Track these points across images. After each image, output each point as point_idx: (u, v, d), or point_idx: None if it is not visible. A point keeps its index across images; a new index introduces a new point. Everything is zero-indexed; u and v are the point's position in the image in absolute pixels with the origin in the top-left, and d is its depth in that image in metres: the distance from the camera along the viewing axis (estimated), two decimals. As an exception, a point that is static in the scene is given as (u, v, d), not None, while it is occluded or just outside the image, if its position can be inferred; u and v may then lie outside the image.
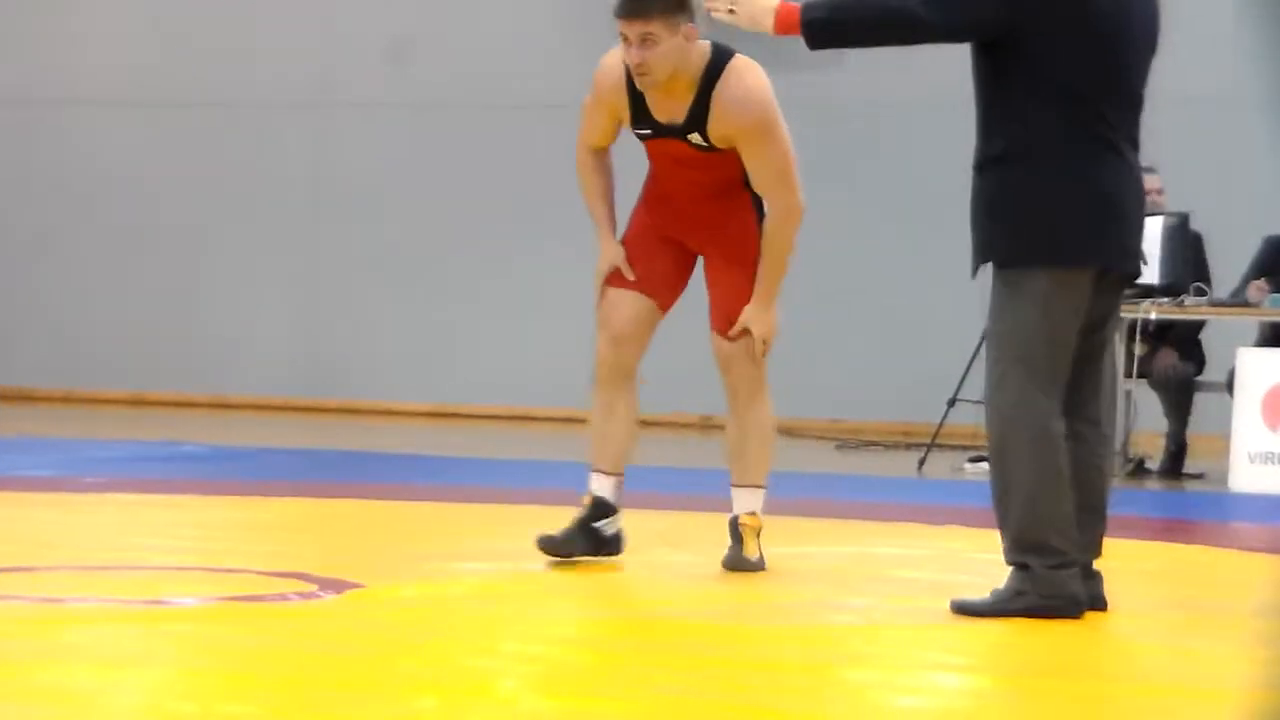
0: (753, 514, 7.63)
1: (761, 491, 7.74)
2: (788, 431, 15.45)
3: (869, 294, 15.86)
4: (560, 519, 7.37)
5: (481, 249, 17.18)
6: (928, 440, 13.39)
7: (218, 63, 17.70)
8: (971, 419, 13.33)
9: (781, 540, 7.93)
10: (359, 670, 5.46)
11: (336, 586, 6.77)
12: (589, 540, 7.46)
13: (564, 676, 5.62)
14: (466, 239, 17.27)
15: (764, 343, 7.80)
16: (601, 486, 7.60)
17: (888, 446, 14.46)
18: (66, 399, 17.50)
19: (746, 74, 7.59)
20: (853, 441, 14.85)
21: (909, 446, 14.01)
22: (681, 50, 7.54)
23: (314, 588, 6.77)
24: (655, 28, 7.46)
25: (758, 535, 7.61)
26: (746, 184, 7.70)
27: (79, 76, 17.95)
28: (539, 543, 7.35)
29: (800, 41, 6.67)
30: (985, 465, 12.76)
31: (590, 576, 7.47)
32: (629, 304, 7.82)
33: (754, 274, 7.69)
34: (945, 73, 15.61)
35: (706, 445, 15.52)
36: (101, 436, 13.98)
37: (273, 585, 6.79)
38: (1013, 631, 6.31)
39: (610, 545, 7.54)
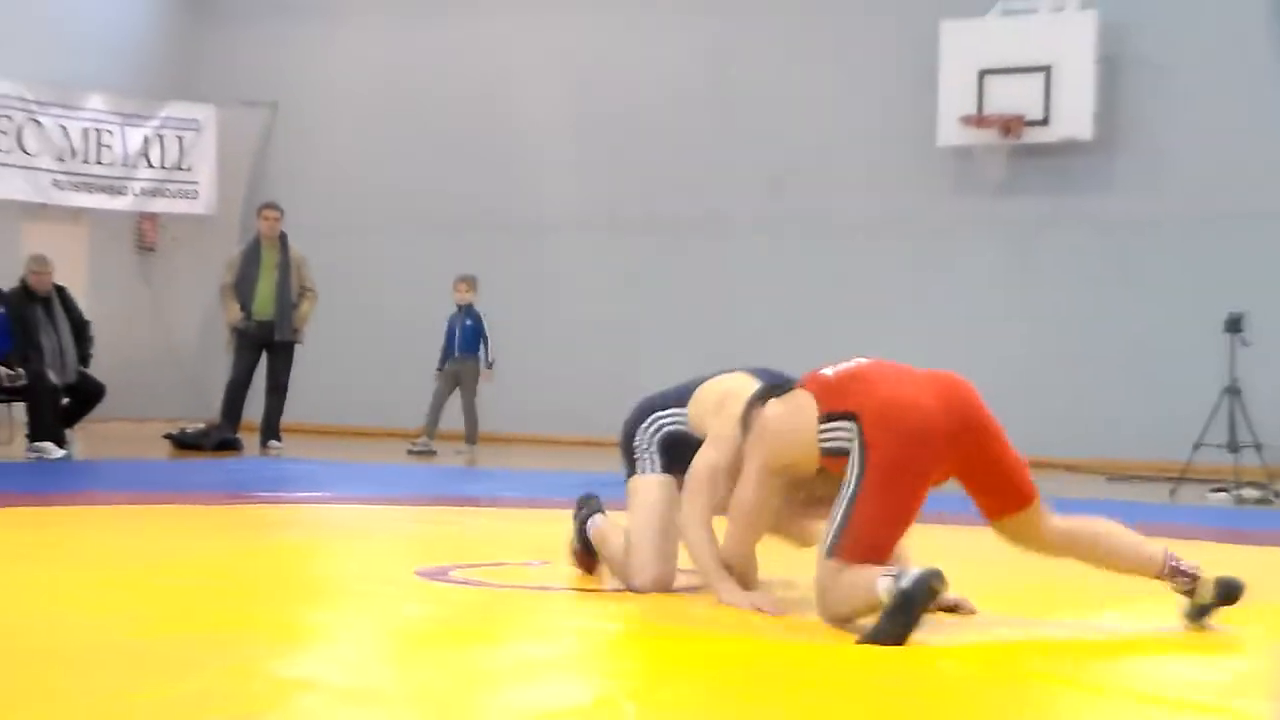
0: None
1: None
2: (1071, 468, 15.28)
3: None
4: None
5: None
6: (1178, 474, 13.21)
7: (663, 193, 17.88)
8: (1214, 459, 13.15)
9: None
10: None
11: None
12: None
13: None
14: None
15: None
16: None
17: (1147, 479, 14.16)
18: (534, 441, 17.70)
19: None
20: (1120, 474, 14.59)
21: (1164, 479, 13.71)
22: None
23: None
24: None
25: None
26: None
27: (549, 203, 18.24)
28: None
29: None
30: (1224, 494, 12.67)
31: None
32: None
33: None
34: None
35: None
36: (558, 468, 14.13)
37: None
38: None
39: None
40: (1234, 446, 12.90)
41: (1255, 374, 13.05)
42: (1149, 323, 15.65)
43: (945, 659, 5.18)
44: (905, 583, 5.17)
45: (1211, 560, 8.66)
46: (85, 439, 14.96)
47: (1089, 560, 5.72)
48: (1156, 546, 5.68)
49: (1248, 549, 9.36)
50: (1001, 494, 5.68)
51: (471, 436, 15.99)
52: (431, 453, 15.57)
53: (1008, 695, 4.80)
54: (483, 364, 15.99)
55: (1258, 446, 12.91)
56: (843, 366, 5.83)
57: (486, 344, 15.98)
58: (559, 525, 7.37)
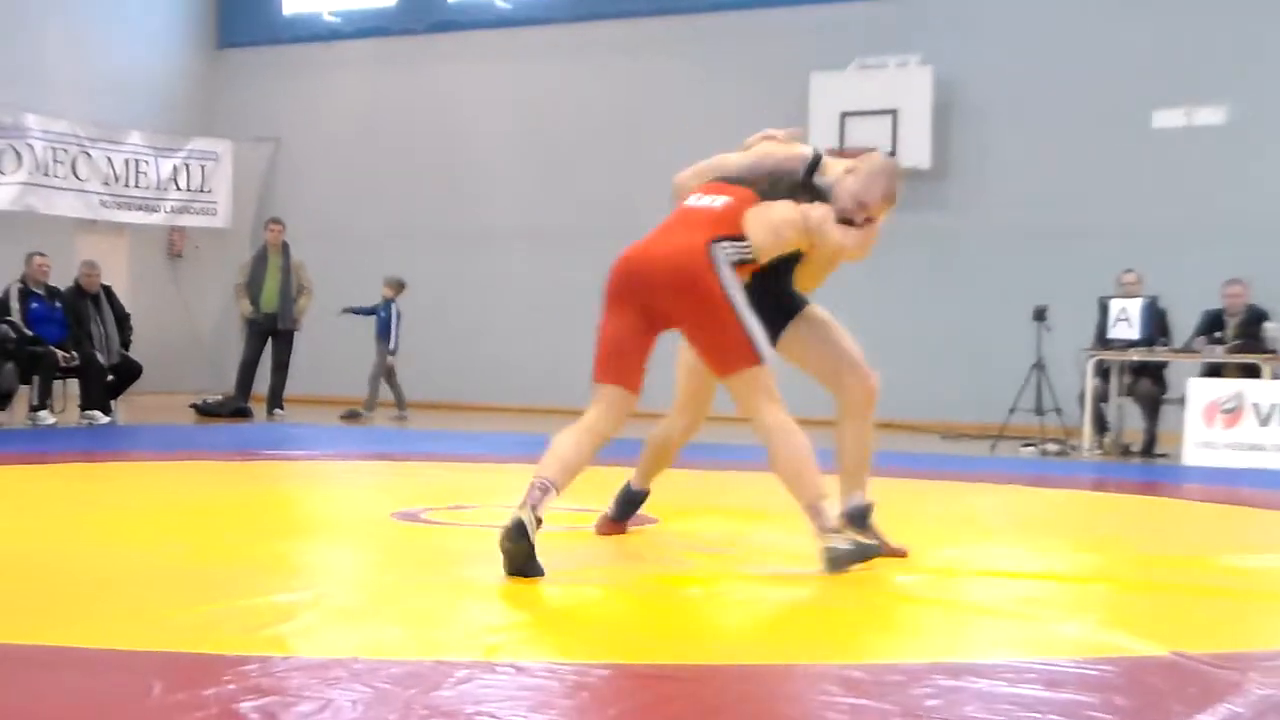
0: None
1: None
2: (913, 429, 15.37)
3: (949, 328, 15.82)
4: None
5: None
6: (997, 433, 13.32)
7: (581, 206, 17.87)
8: (1025, 421, 13.27)
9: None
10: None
11: (641, 520, 6.39)
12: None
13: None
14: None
15: None
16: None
17: (973, 437, 14.29)
18: (487, 409, 17.69)
19: None
20: (951, 434, 14.71)
21: (986, 437, 13.84)
22: None
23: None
24: None
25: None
26: None
27: (495, 217, 18.20)
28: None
29: None
30: (1032, 449, 12.80)
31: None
32: None
33: None
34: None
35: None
36: (500, 431, 14.12)
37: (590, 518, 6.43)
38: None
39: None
40: (1040, 411, 13.05)
41: (1056, 354, 13.18)
42: (974, 313, 15.80)
43: (828, 582, 5.21)
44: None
45: (1023, 500, 8.80)
46: (126, 408, 14.81)
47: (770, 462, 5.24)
48: (811, 492, 5.11)
49: (1051, 491, 9.48)
50: (707, 356, 5.33)
51: (400, 404, 15.90)
52: (357, 415, 15.39)
53: (872, 607, 4.85)
54: (388, 348, 15.83)
55: (1058, 410, 13.06)
56: (689, 203, 5.46)
57: (389, 333, 15.79)
58: (509, 475, 7.36)
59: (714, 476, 9.09)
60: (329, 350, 17.56)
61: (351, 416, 15.36)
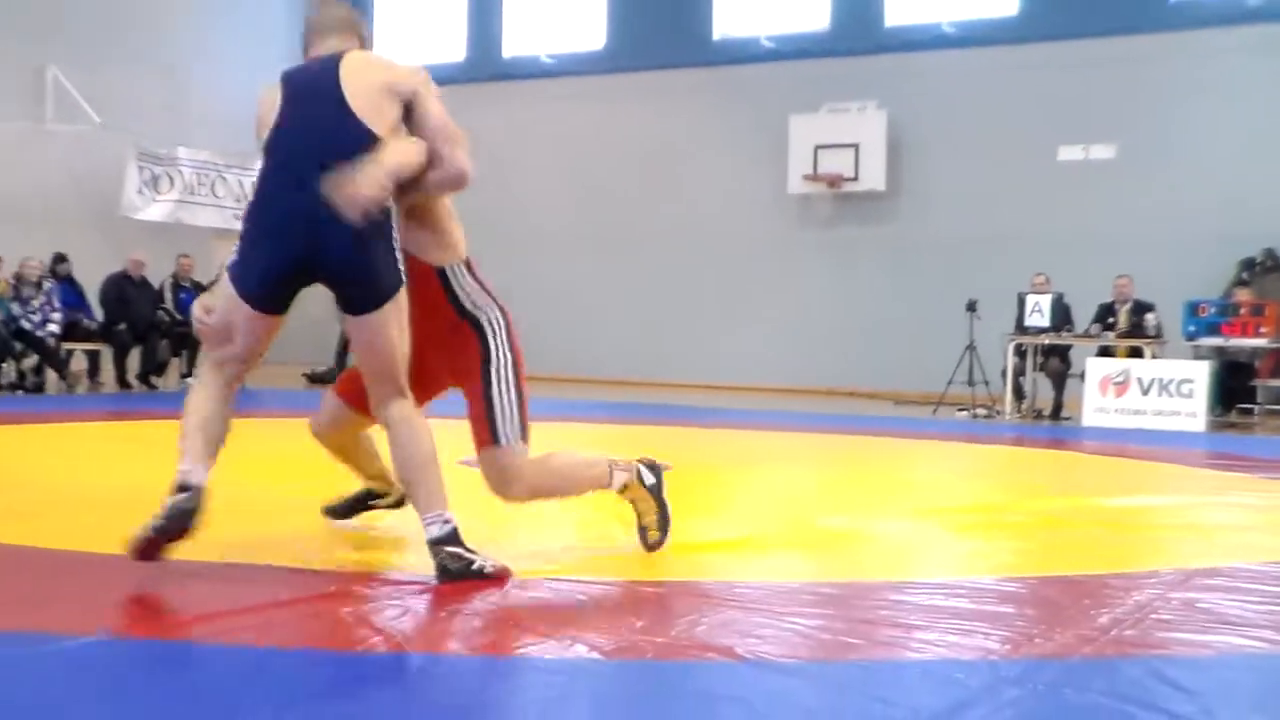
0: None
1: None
2: (871, 396, 15.29)
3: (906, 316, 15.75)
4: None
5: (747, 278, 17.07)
6: (938, 401, 13.26)
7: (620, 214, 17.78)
8: (959, 391, 13.22)
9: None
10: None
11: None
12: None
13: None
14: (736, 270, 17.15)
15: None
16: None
17: (919, 404, 14.21)
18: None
19: None
20: (901, 401, 14.65)
21: (928, 404, 13.77)
22: None
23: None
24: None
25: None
26: None
27: (543, 228, 18.15)
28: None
29: None
30: (965, 413, 12.74)
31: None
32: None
33: None
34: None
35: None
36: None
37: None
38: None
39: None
40: (971, 383, 12.96)
41: (984, 337, 13.11)
42: (921, 306, 15.73)
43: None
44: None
45: (957, 453, 8.74)
46: (252, 376, 14.75)
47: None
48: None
49: (979, 446, 9.43)
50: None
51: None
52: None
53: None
54: None
55: (985, 382, 12.99)
56: None
57: None
58: (543, 434, 7.32)
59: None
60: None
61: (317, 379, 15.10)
